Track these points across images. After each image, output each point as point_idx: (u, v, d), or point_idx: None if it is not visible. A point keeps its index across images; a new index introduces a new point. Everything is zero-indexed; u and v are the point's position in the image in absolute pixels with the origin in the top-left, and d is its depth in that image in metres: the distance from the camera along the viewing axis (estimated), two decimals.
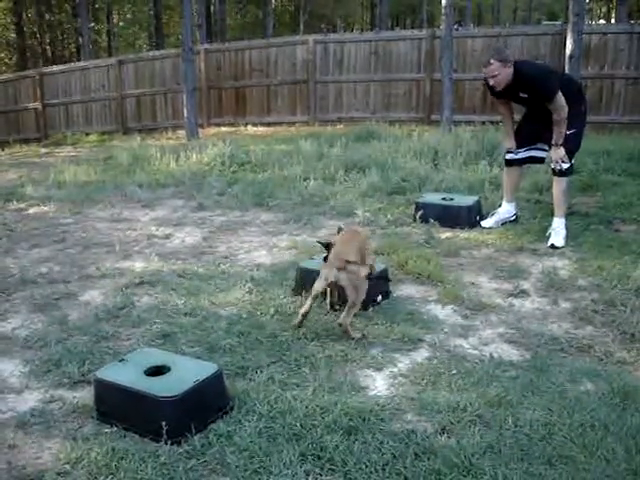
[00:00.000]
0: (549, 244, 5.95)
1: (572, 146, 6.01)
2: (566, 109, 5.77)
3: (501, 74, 5.84)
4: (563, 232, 6.06)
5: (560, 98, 5.75)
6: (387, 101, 16.04)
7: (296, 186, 8.53)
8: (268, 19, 27.92)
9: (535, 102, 6.01)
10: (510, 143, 6.50)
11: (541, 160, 6.60)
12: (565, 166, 5.99)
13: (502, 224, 6.60)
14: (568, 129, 5.86)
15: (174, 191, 8.95)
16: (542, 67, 6.44)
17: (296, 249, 6.09)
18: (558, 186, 6.15)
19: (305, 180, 8.80)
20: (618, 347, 4.04)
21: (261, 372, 3.73)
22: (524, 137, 6.44)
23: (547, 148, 6.17)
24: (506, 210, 6.68)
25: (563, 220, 6.14)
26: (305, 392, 3.47)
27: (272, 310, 4.58)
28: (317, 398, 3.40)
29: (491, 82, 5.95)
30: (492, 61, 5.85)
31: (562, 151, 5.90)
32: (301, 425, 3.15)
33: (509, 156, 6.55)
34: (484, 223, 6.63)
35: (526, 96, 6.02)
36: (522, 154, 6.51)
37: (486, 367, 3.77)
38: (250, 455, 2.97)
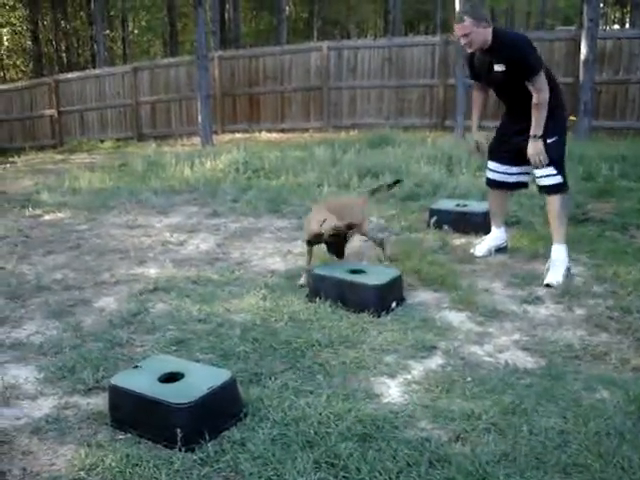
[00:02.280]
0: (545, 282, 5.18)
1: (556, 155, 5.29)
2: (548, 92, 5.11)
3: (473, 33, 5.19)
4: (563, 265, 5.28)
5: (543, 77, 5.10)
6: (401, 107, 16.06)
7: (310, 192, 8.53)
8: (282, 26, 27.96)
9: (512, 83, 5.25)
10: (477, 135, 6.02)
11: (526, 185, 5.94)
12: (551, 182, 5.32)
13: (495, 251, 6.00)
14: (549, 136, 5.21)
15: (188, 198, 8.98)
16: (525, 37, 5.45)
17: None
18: (552, 206, 5.38)
19: (319, 186, 8.80)
20: (634, 354, 4.01)
21: (275, 379, 3.73)
22: (507, 151, 5.72)
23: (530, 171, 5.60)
24: (496, 236, 6.04)
25: (564, 247, 5.34)
26: (319, 399, 3.47)
27: (286, 317, 4.57)
28: (331, 405, 3.39)
29: (462, 41, 5.31)
30: (465, 17, 5.21)
31: (541, 144, 5.19)
32: (315, 432, 3.14)
33: (493, 176, 5.92)
34: (477, 252, 5.99)
35: (502, 69, 5.25)
36: (509, 178, 5.81)
37: (501, 374, 3.75)
38: (264, 462, 2.97)
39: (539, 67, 5.13)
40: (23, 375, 4.05)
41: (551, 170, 5.29)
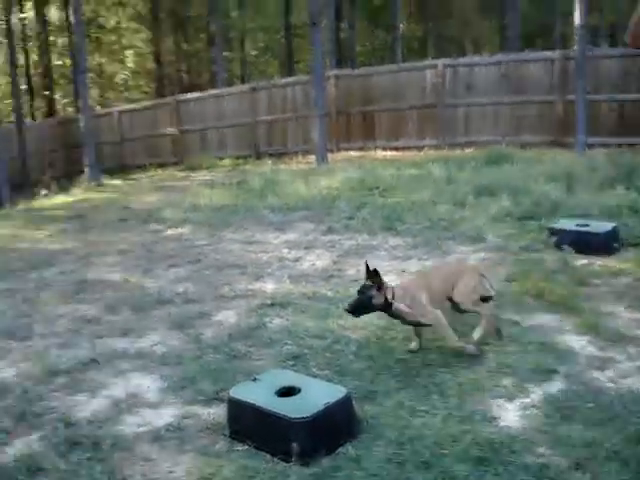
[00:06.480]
0: None
1: None
2: None
3: None
4: None
5: None
6: (517, 124, 15.73)
7: (425, 210, 8.46)
8: (397, 44, 27.98)
9: None
10: None
11: None
12: None
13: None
14: None
15: (304, 215, 9.07)
16: None
17: None
18: None
19: (434, 204, 8.71)
20: None
21: (390, 397, 3.73)
22: None
23: None
24: None
25: None
26: (434, 419, 3.45)
27: (401, 335, 4.57)
28: (447, 426, 3.37)
29: None
30: None
31: None
32: (430, 453, 3.13)
33: None
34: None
35: None
36: None
37: (624, 402, 3.61)
38: None
39: None
40: (145, 384, 4.22)
41: None
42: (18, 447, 3.59)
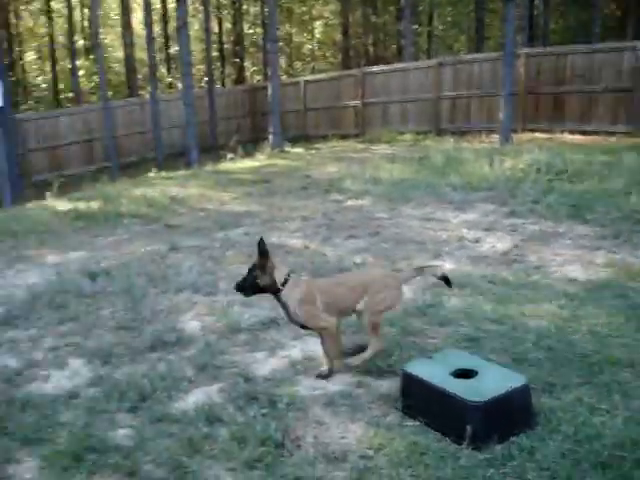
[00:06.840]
0: None
1: None
2: None
3: None
4: None
5: None
6: None
7: (617, 200, 7.95)
8: (595, 23, 26.58)
9: None
10: None
11: None
12: None
13: None
14: None
15: (486, 195, 8.87)
16: None
17: (614, 267, 5.73)
18: None
19: (627, 195, 8.18)
20: None
21: (569, 392, 3.61)
22: None
23: None
24: None
25: None
26: (615, 420, 3.30)
27: (584, 329, 4.38)
28: (628, 428, 3.21)
29: None
30: None
31: None
32: (608, 454, 3.00)
33: None
34: None
35: None
36: None
37: None
38: (551, 475, 2.91)
39: None
40: (320, 350, 4.31)
41: None
42: (198, 396, 3.82)
